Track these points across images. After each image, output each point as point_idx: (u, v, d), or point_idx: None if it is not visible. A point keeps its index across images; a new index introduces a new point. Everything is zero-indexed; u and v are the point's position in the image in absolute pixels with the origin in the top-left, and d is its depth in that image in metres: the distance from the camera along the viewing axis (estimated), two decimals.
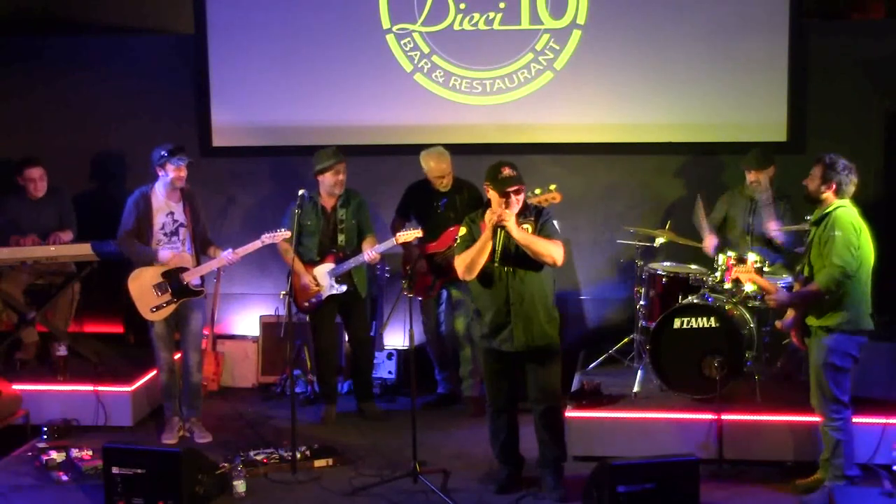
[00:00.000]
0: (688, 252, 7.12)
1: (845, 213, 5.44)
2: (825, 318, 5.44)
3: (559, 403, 5.82)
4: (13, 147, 8.17)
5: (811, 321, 5.51)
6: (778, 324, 5.91)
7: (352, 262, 6.81)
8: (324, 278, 6.86)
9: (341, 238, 6.90)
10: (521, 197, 5.55)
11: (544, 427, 5.74)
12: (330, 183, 6.82)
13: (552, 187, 5.90)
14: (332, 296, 6.87)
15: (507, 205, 5.45)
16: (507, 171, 5.50)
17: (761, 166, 6.90)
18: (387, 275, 7.20)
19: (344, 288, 6.85)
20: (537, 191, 5.93)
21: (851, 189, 5.50)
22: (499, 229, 5.48)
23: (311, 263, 6.91)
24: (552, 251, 5.52)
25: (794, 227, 6.64)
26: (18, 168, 7.44)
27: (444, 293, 7.17)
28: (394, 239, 6.68)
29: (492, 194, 5.54)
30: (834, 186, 5.47)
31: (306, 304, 6.94)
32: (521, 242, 5.48)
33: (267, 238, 6.59)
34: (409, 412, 5.92)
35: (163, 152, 6.42)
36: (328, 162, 6.79)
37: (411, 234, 6.68)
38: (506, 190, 5.45)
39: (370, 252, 6.75)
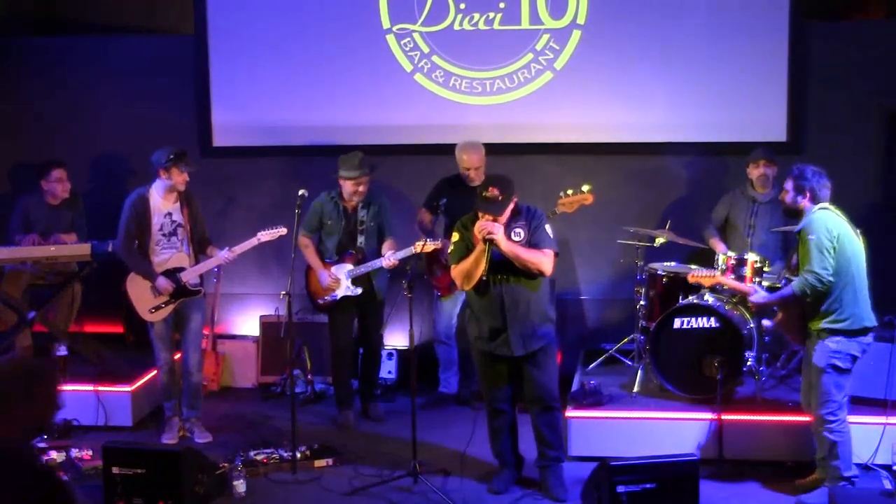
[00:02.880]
0: (688, 252, 7.12)
1: (821, 216, 5.44)
2: (827, 321, 5.43)
3: (557, 404, 5.80)
4: (13, 148, 8.20)
5: (813, 324, 5.50)
6: (766, 322, 5.91)
7: (369, 266, 6.80)
8: (341, 278, 6.84)
9: (361, 240, 6.88)
10: (508, 210, 5.47)
11: (542, 427, 5.74)
12: (349, 191, 6.79)
13: (585, 188, 5.78)
14: (350, 296, 6.85)
15: (494, 219, 5.41)
16: (491, 192, 5.41)
17: (772, 159, 6.92)
18: (387, 275, 7.19)
19: (359, 290, 6.84)
20: (569, 191, 5.86)
21: (826, 192, 5.52)
22: (488, 241, 5.42)
23: (329, 263, 6.90)
24: (540, 262, 5.48)
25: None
26: (44, 171, 7.44)
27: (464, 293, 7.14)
28: (413, 247, 6.55)
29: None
30: (808, 194, 5.50)
31: (320, 301, 6.94)
32: (509, 255, 5.43)
33: (263, 235, 6.60)
34: (409, 412, 5.92)
35: (170, 156, 6.38)
36: (351, 174, 6.73)
37: (431, 245, 6.59)
38: (483, 213, 5.41)
39: (388, 258, 6.71)
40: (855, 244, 5.48)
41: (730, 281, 6.05)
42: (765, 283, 6.44)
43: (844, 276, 5.39)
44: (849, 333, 5.40)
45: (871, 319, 5.48)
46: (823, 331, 5.44)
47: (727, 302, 6.51)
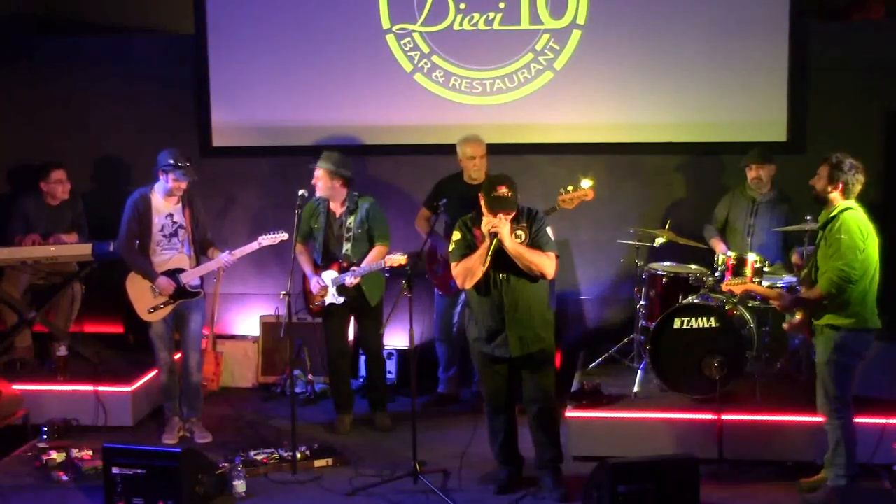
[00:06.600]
0: (688, 252, 7.12)
1: (853, 216, 5.39)
2: (832, 318, 5.42)
3: (554, 404, 5.80)
4: (13, 148, 8.19)
5: (818, 321, 5.49)
6: (785, 326, 5.88)
7: (344, 277, 6.64)
8: (328, 285, 6.75)
9: (347, 247, 6.73)
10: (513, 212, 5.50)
11: (540, 428, 5.74)
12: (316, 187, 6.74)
13: (585, 185, 5.73)
14: (335, 304, 6.75)
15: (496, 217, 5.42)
16: (502, 191, 5.42)
17: (764, 160, 6.92)
18: (386, 275, 7.18)
19: (342, 299, 6.69)
20: (569, 187, 5.79)
21: (858, 188, 5.46)
22: (493, 237, 5.43)
23: (319, 268, 6.81)
24: (543, 264, 5.49)
25: (795, 227, 6.64)
26: (44, 172, 7.45)
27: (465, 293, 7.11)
28: (383, 261, 6.51)
29: (484, 206, 5.49)
30: (841, 186, 5.43)
31: (312, 306, 6.89)
32: (513, 254, 5.44)
33: (264, 240, 6.58)
34: (409, 412, 5.92)
35: (171, 161, 6.37)
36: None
37: (397, 259, 6.46)
38: (496, 212, 5.42)
39: (349, 278, 6.58)
40: (875, 247, 5.45)
41: (759, 287, 6.01)
42: (765, 284, 6.44)
43: (862, 279, 5.38)
44: (851, 330, 5.40)
45: (874, 322, 5.47)
46: (826, 326, 5.44)
47: (727, 302, 6.51)
